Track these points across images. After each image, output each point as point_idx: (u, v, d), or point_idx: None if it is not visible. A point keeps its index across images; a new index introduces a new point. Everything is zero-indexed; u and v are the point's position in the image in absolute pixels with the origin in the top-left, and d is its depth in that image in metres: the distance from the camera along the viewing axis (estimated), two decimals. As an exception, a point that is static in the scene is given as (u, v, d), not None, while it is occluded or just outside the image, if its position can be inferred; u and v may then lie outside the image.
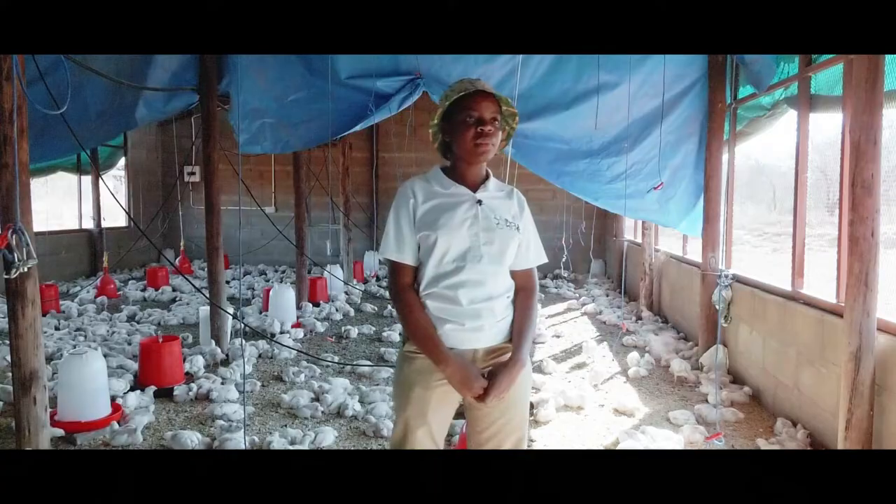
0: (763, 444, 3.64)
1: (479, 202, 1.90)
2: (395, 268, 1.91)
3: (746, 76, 4.73)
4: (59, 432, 3.62)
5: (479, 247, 1.86)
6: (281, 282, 9.92)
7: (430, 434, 1.88)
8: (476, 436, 1.95)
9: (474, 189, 1.92)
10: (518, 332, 1.92)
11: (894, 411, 2.95)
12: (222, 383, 4.63)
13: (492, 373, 1.84)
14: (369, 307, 8.06)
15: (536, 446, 3.72)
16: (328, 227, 11.08)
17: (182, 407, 4.31)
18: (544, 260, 2.03)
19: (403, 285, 1.90)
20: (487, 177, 1.97)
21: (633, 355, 5.43)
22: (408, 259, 1.89)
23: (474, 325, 1.86)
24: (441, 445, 1.94)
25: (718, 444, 3.62)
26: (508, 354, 1.88)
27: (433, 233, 1.85)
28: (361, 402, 4.27)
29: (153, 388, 4.42)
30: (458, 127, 1.85)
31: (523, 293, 1.97)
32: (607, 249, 11.30)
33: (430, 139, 1.99)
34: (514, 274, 1.96)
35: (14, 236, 2.82)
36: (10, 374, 3.39)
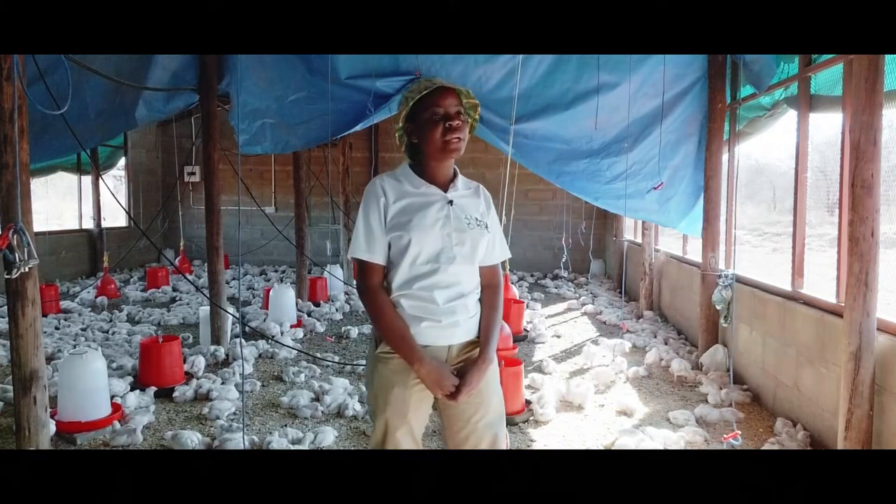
0: (763, 445, 3.64)
1: (451, 202, 1.90)
2: (365, 268, 1.90)
3: (746, 76, 4.73)
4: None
5: (451, 248, 1.87)
6: (281, 282, 9.93)
7: (411, 433, 1.89)
8: (453, 436, 1.95)
9: (444, 188, 1.92)
10: (486, 329, 1.94)
11: (894, 411, 2.95)
12: (222, 383, 4.63)
13: (461, 371, 1.86)
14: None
15: (536, 446, 3.72)
16: (328, 227, 11.09)
17: (182, 407, 4.31)
18: (508, 256, 2.07)
19: (374, 285, 1.89)
20: (456, 175, 1.97)
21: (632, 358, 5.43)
22: (378, 259, 1.88)
23: (450, 321, 1.87)
24: (420, 444, 1.95)
25: (735, 444, 3.59)
26: (478, 351, 1.91)
27: (406, 234, 1.84)
28: (361, 402, 4.27)
29: (153, 388, 4.42)
30: (425, 126, 1.84)
31: (489, 290, 1.99)
32: (607, 249, 11.30)
33: (397, 143, 1.98)
34: (480, 270, 1.97)
35: (15, 236, 2.82)
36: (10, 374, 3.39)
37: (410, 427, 1.88)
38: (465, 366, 1.88)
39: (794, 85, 4.22)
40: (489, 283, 1.99)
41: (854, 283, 2.98)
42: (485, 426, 1.93)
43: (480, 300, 1.97)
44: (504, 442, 2.01)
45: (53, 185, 11.33)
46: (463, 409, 1.91)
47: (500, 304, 2.00)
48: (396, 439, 1.87)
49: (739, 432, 3.69)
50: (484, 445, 1.93)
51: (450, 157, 1.89)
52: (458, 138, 1.84)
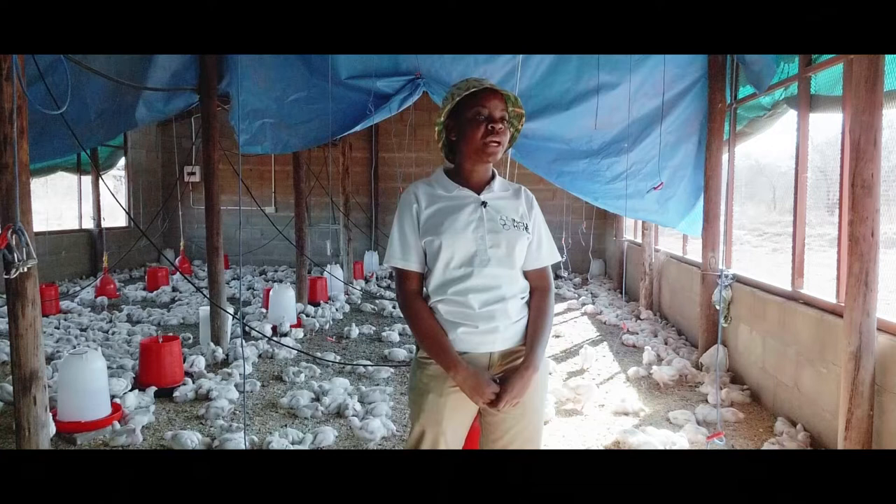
0: (763, 444, 3.64)
1: (484, 204, 1.85)
2: (401, 275, 1.87)
3: (746, 76, 4.73)
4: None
5: (485, 250, 1.82)
6: (281, 282, 9.93)
7: (445, 441, 1.83)
8: (490, 444, 1.90)
9: (479, 190, 1.88)
10: (532, 334, 1.85)
11: (894, 411, 2.95)
12: (222, 381, 4.63)
13: (504, 378, 1.79)
14: (369, 307, 8.07)
15: (536, 446, 3.72)
16: (328, 227, 11.08)
17: (182, 407, 4.30)
18: (558, 258, 1.98)
19: (411, 292, 1.86)
20: (493, 177, 1.92)
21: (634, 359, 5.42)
22: (414, 266, 1.85)
23: (488, 327, 1.81)
24: None
25: (719, 444, 3.61)
26: (522, 357, 1.83)
27: (437, 237, 1.80)
28: (361, 402, 4.27)
29: (153, 388, 4.42)
30: (466, 125, 1.81)
31: (537, 294, 1.91)
32: (607, 249, 11.30)
33: (435, 137, 1.94)
34: (526, 274, 1.90)
35: (14, 236, 2.82)
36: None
37: (445, 434, 1.83)
38: (508, 373, 1.80)
39: (794, 85, 4.22)
40: (537, 287, 1.91)
41: (854, 283, 2.98)
42: (524, 438, 1.86)
43: (528, 304, 1.90)
44: None
45: (53, 185, 11.32)
46: (504, 417, 1.83)
47: (548, 308, 1.90)
48: (429, 445, 1.83)
49: (723, 432, 3.70)
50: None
51: (486, 161, 1.85)
52: (498, 143, 1.80)
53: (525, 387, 1.77)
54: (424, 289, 1.89)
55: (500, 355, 1.84)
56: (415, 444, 1.86)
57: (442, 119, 1.87)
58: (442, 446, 1.83)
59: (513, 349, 1.86)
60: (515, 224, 1.86)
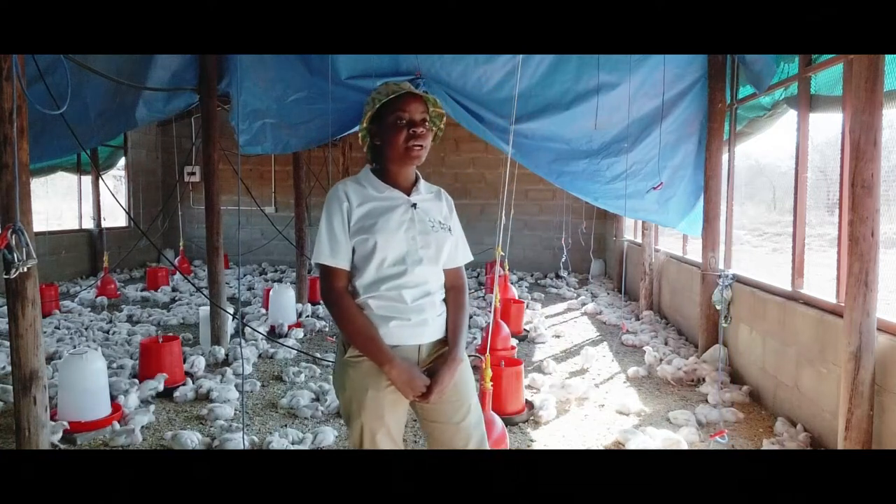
0: (763, 444, 3.64)
1: (414, 206, 1.92)
2: (329, 273, 1.89)
3: (746, 76, 4.73)
4: (64, 424, 3.61)
5: (416, 250, 1.88)
6: (281, 282, 9.92)
7: (390, 435, 1.89)
8: (437, 438, 1.95)
9: (406, 191, 1.93)
10: (453, 329, 1.95)
11: (894, 411, 2.95)
12: (221, 381, 4.63)
13: (432, 371, 1.87)
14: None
15: (536, 446, 3.72)
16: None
17: (182, 407, 4.30)
18: (470, 259, 2.09)
19: (339, 290, 1.89)
20: (417, 179, 1.98)
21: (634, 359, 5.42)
22: (342, 264, 1.87)
23: (419, 319, 1.88)
24: (401, 445, 1.95)
25: (722, 442, 3.61)
26: (446, 350, 1.92)
27: (371, 237, 1.84)
28: (361, 402, 4.26)
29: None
30: (389, 129, 1.85)
31: (454, 291, 2.01)
32: (607, 249, 11.30)
33: (360, 142, 1.98)
34: (445, 272, 1.99)
35: (14, 236, 2.81)
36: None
37: (388, 429, 1.88)
38: (435, 365, 1.89)
39: (794, 85, 4.22)
40: (454, 285, 2.01)
41: (854, 283, 2.98)
42: (468, 425, 1.93)
43: (445, 301, 1.99)
44: (487, 444, 2.00)
45: (53, 185, 11.30)
46: (442, 409, 1.91)
47: (466, 304, 2.04)
48: (375, 442, 1.86)
49: (726, 431, 3.70)
50: (472, 445, 1.93)
51: (411, 164, 1.91)
52: (421, 146, 1.86)
53: (451, 378, 1.88)
54: (351, 287, 1.91)
55: (427, 348, 1.92)
56: (358, 441, 1.89)
57: (365, 125, 1.92)
58: (386, 440, 1.88)
59: (438, 341, 1.95)
60: (441, 226, 1.95)
